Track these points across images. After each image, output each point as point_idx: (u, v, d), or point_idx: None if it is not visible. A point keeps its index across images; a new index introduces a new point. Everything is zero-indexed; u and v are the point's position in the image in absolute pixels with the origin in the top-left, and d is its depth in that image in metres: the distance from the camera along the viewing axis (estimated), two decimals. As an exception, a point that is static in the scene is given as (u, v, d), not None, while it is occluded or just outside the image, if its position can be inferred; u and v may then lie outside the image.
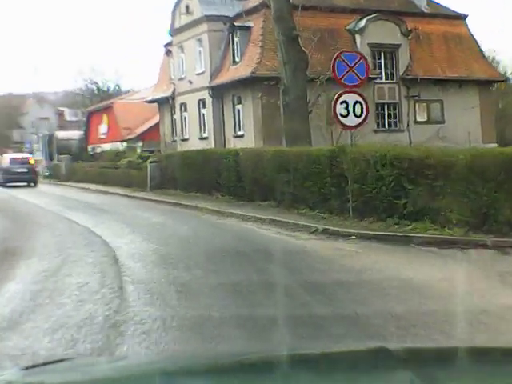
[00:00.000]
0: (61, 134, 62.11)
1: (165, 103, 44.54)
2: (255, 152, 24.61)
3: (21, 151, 73.78)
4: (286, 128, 25.88)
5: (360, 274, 11.51)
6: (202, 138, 39.17)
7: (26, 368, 3.18)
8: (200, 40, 39.23)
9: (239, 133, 36.66)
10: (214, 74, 38.20)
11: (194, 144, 37.53)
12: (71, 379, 2.87)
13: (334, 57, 19.05)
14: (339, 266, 12.40)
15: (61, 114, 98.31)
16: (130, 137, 52.30)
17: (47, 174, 52.51)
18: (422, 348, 4.12)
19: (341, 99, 18.58)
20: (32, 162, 47.74)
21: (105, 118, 57.78)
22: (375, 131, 35.26)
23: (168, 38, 44.04)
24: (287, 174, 21.01)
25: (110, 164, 40.01)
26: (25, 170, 45.43)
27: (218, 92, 37.97)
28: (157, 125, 47.57)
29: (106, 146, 53.03)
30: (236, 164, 24.48)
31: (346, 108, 18.52)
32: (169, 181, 30.70)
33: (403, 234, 15.27)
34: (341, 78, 18.77)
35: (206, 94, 38.66)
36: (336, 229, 16.47)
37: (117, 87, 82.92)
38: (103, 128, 58.04)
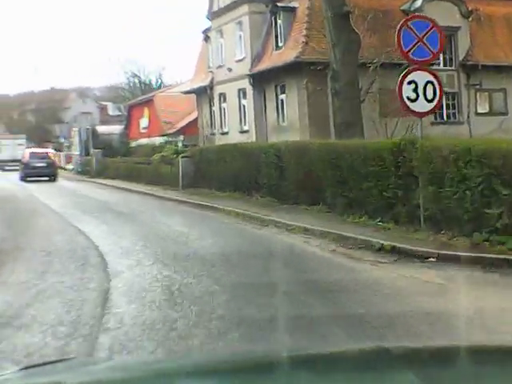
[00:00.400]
0: (101, 129, 59.80)
1: (203, 94, 40.45)
2: (300, 145, 20.23)
3: (61, 146, 70.89)
4: (335, 118, 21.97)
5: (466, 334, 7.24)
6: (242, 132, 35.09)
7: (26, 368, 3.02)
8: (240, 23, 35.12)
9: (283, 125, 32.55)
10: (256, 60, 34.11)
11: (234, 138, 33.45)
12: (71, 379, 2.75)
13: (400, 25, 14.77)
14: (426, 314, 8.11)
15: (103, 109, 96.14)
16: (171, 131, 49.01)
17: (80, 169, 48.74)
18: (421, 348, 3.75)
19: (408, 78, 14.34)
20: (51, 156, 46.91)
21: (146, 111, 54.98)
22: (432, 123, 30.83)
23: (207, 23, 39.99)
24: (340, 172, 16.75)
25: (144, 159, 35.86)
26: (44, 165, 44.28)
27: (260, 80, 33.85)
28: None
29: (146, 141, 49.93)
30: (278, 159, 20.26)
31: (415, 90, 14.28)
32: (203, 178, 26.58)
33: (501, 257, 10.95)
34: (408, 52, 14.52)
35: (246, 83, 34.54)
36: (407, 247, 12.17)
37: (159, 80, 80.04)
38: (144, 122, 55.26)
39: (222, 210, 19.68)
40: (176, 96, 49.97)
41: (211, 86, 38.53)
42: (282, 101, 32.78)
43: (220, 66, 37.39)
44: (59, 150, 67.81)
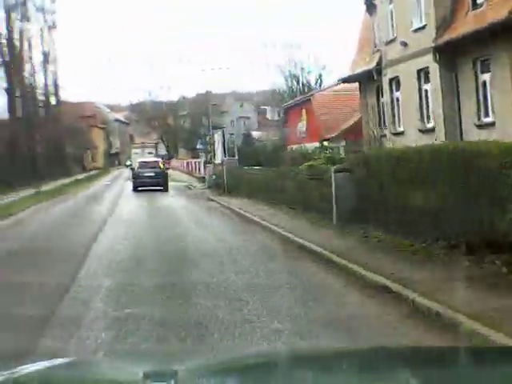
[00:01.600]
0: (257, 134, 58.80)
1: (368, 81, 28.99)
2: None
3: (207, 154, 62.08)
4: None
5: None
6: (424, 131, 23.62)
7: (25, 367, 2.82)
8: (417, -22, 23.75)
9: (486, 120, 20.95)
10: (442, 27, 22.60)
11: (413, 139, 22.06)
12: (71, 379, 2.80)
13: None
14: None
15: (261, 113, 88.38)
16: (332, 135, 39.73)
17: (213, 181, 38.47)
18: (421, 348, 3.96)
19: None
20: (161, 165, 42.56)
21: (303, 113, 46.41)
22: None
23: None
24: None
25: (286, 171, 24.31)
26: (152, 174, 40.42)
27: (449, 55, 22.35)
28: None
29: (297, 147, 40.26)
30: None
31: None
32: (371, 207, 14.85)
33: None
34: None
35: (429, 60, 23.00)
36: None
37: (318, 80, 70.85)
38: (302, 125, 46.72)
39: (419, 298, 8.05)
40: (337, 94, 41.66)
41: (379, 70, 27.04)
42: (484, 83, 21.20)
43: (390, 41, 25.93)
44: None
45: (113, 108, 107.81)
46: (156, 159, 48.36)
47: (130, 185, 42.43)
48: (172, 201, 30.22)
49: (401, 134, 25.35)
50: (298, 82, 71.45)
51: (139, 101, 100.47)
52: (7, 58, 47.24)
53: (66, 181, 50.29)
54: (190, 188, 42.00)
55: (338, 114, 41.03)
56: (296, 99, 53.26)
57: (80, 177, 58.73)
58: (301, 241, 14.55)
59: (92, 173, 70.82)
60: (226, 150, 42.71)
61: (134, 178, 41.55)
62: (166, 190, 39.51)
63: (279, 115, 73.72)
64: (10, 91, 46.74)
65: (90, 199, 32.66)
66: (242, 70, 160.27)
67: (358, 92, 33.30)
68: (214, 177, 38.35)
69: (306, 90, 65.89)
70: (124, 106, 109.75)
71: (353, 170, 16.40)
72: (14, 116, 47.87)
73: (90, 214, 23.73)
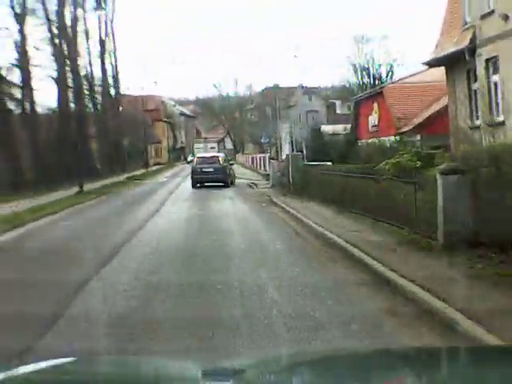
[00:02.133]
0: (327, 128, 53.91)
1: (456, 64, 24.62)
2: None
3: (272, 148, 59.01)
4: None
5: None
6: (531, 120, 19.32)
7: (26, 367, 2.83)
8: None
9: None
10: (556, -7, 18.27)
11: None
12: (71, 379, 2.71)
13: None
14: None
15: (330, 107, 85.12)
16: (406, 129, 36.57)
17: (277, 179, 34.63)
18: (422, 348, 3.92)
19: None
20: (221, 161, 40.69)
21: (375, 107, 43.32)
22: None
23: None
24: None
25: (364, 168, 19.77)
26: (211, 170, 39.07)
27: None
28: (443, 110, 29.72)
29: (373, 142, 36.78)
30: None
31: None
32: (503, 226, 10.42)
33: None
34: None
35: (538, 36, 18.74)
36: None
37: (389, 72, 68.71)
38: (373, 119, 43.63)
39: None
40: (411, 86, 38.75)
41: (472, 49, 22.69)
42: None
43: (487, 15, 21.53)
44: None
45: (179, 102, 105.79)
46: (216, 154, 46.97)
47: (188, 182, 40.11)
48: (228, 205, 25.75)
49: (500, 124, 20.92)
50: (368, 75, 69.23)
51: (206, 96, 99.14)
52: (58, 46, 44.32)
53: (119, 178, 47.11)
54: (251, 187, 38.33)
55: (412, 107, 37.90)
56: (366, 92, 50.23)
57: (137, 173, 55.69)
58: (385, 260, 10.50)
59: (153, 168, 67.98)
60: (293, 145, 39.94)
61: (192, 173, 40.16)
62: (228, 186, 38.40)
63: (349, 109, 70.59)
64: (60, 81, 43.65)
65: (126, 205, 27.72)
66: (309, 63, 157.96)
67: (433, 83, 30.82)
68: (278, 174, 34.45)
69: (376, 83, 63.37)
70: (191, 100, 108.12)
71: (468, 171, 11.92)
72: (64, 108, 44.75)
73: (107, 236, 17.28)
